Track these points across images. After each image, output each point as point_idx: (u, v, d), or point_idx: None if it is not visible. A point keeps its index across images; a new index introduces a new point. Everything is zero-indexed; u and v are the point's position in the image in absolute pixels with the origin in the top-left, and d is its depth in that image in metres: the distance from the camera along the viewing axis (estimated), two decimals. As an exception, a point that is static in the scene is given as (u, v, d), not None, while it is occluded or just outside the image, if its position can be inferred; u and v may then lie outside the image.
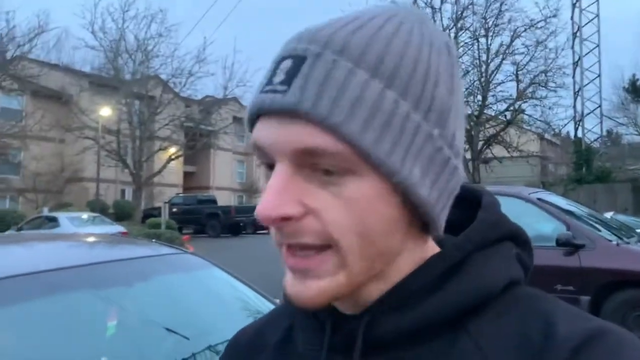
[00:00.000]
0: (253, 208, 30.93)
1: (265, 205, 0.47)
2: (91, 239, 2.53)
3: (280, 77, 0.48)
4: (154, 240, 2.63)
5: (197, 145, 28.56)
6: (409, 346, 0.52)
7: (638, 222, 10.69)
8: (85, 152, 26.61)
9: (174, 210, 26.44)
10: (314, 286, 0.49)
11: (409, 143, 0.48)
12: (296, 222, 0.48)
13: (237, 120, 37.39)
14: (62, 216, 17.94)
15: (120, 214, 27.52)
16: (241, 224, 27.44)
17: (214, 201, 29.78)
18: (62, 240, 2.61)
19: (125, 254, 2.20)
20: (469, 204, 0.59)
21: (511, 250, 0.56)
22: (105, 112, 25.87)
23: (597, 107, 21.56)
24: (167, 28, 26.93)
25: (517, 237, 0.58)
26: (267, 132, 0.49)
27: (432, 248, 0.55)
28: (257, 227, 28.38)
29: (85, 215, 18.91)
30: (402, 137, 0.47)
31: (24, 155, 27.70)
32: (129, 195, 31.37)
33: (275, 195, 0.47)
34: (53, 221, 17.52)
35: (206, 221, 26.93)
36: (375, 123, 0.46)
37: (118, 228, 17.05)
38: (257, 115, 0.50)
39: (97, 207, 24.54)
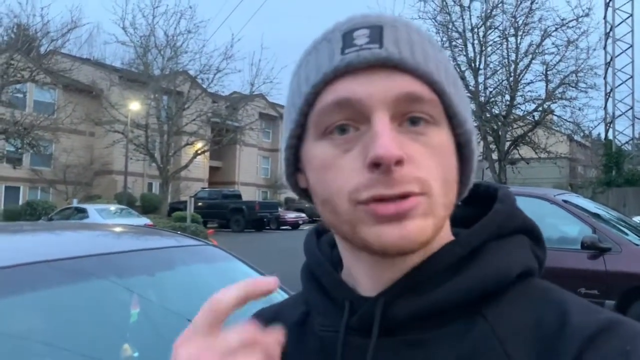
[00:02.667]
0: (277, 204, 30.88)
1: (387, 147, 0.48)
2: (117, 229, 2.60)
3: (363, 40, 0.51)
4: (178, 232, 2.69)
5: (223, 141, 28.77)
6: (426, 329, 0.53)
7: (669, 227, 10.42)
8: (114, 146, 27.06)
9: (200, 204, 26.74)
10: (413, 225, 0.50)
11: (465, 100, 0.56)
12: (402, 169, 0.49)
13: (263, 116, 37.60)
14: (90, 208, 18.34)
15: (147, 207, 27.94)
16: (265, 220, 27.60)
17: (239, 196, 30.03)
18: (88, 229, 2.69)
19: (149, 244, 2.26)
20: (484, 201, 0.61)
21: (526, 242, 0.58)
22: (135, 106, 26.27)
23: (629, 109, 21.09)
24: (196, 24, 27.08)
25: (530, 232, 0.60)
26: (363, 84, 0.50)
27: (450, 234, 0.58)
28: (280, 223, 28.54)
29: (113, 208, 19.28)
30: (461, 93, 0.55)
31: (55, 147, 28.34)
32: (156, 189, 31.84)
33: (391, 139, 0.49)
34: (82, 212, 17.93)
35: (230, 216, 27.17)
36: (450, 79, 0.53)
37: (144, 220, 17.35)
38: (340, 74, 0.51)
39: (125, 200, 24.96)
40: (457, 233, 0.58)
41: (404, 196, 0.49)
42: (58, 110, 25.70)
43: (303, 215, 30.51)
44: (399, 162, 0.49)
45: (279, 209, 30.49)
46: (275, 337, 0.48)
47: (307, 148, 0.55)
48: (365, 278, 0.57)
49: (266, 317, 0.68)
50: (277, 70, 31.29)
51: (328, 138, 0.52)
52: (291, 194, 44.00)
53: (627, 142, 21.76)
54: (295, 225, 29.07)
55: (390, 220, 0.50)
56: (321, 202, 0.54)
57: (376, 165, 0.49)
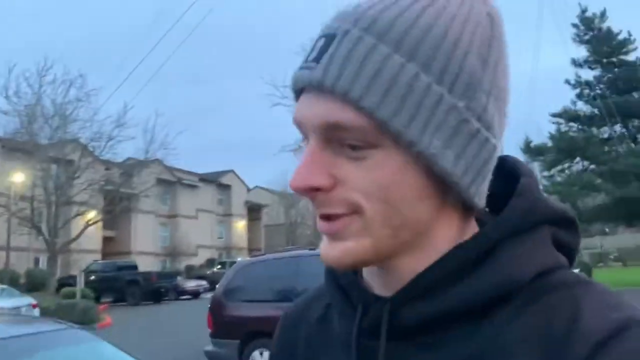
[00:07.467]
0: (175, 273, 29.81)
1: (296, 177, 0.51)
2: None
3: (313, 54, 0.52)
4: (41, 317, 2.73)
5: (116, 209, 27.79)
6: (434, 332, 0.53)
7: None
8: (-6, 220, 25.21)
9: (92, 278, 25.36)
10: (340, 247, 0.52)
11: (429, 115, 0.49)
12: (326, 193, 0.51)
13: (160, 182, 36.78)
14: (-35, 289, 16.79)
15: (32, 284, 25.98)
16: (162, 290, 26.60)
17: (135, 267, 28.79)
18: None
19: (10, 332, 2.30)
20: (513, 177, 0.58)
21: (546, 236, 0.55)
22: (19, 177, 24.85)
23: None
24: (87, 93, 26.41)
25: (559, 219, 0.57)
26: (301, 107, 0.53)
27: (472, 228, 0.56)
28: (179, 293, 27.59)
29: (-9, 288, 17.78)
30: (422, 109, 0.49)
31: None
32: (43, 264, 29.77)
33: (306, 168, 0.51)
34: (-45, 295, 16.35)
35: (126, 288, 25.92)
36: (392, 96, 0.48)
37: (28, 300, 16.12)
38: (300, 91, 0.54)
39: (7, 278, 23.11)
40: (482, 219, 0.57)
41: (337, 216, 0.52)
42: None
43: (204, 282, 29.71)
44: (315, 189, 0.51)
45: (178, 278, 29.57)
46: None
47: None
48: (376, 277, 0.58)
49: (293, 317, 0.72)
50: (172, 135, 30.96)
51: (305, 142, 0.55)
52: (192, 262, 42.75)
53: None
54: (195, 294, 28.20)
55: (329, 237, 0.53)
56: None
57: None
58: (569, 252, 0.57)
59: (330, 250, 0.53)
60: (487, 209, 0.57)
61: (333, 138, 0.51)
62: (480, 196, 0.53)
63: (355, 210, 0.51)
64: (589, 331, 0.47)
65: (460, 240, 0.54)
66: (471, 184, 0.51)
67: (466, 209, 0.55)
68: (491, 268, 0.52)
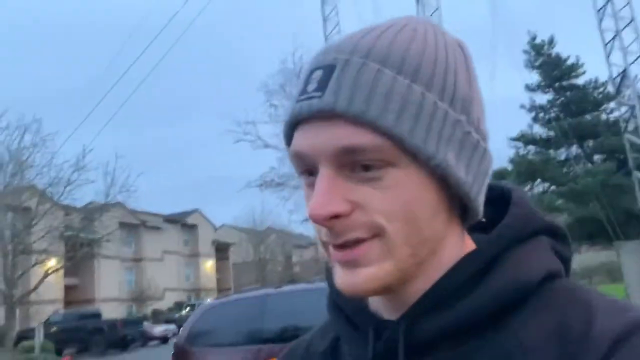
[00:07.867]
0: (141, 319, 28.84)
1: (315, 206, 0.50)
2: None
3: (313, 85, 0.52)
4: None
5: (77, 256, 26.89)
6: (452, 346, 0.53)
7: None
8: (-54, 274, 24.07)
9: (53, 329, 24.35)
10: (364, 273, 0.51)
11: (440, 130, 0.51)
12: (345, 219, 0.50)
13: (123, 225, 35.93)
14: None
15: (-11, 339, 24.74)
16: (129, 337, 25.67)
17: (98, 315, 27.75)
18: None
19: None
20: (500, 202, 0.61)
21: (546, 244, 0.58)
22: (-28, 228, 23.89)
23: None
24: (43, 138, 25.79)
25: (552, 231, 0.59)
26: (307, 137, 0.52)
27: (469, 245, 0.57)
28: (147, 339, 26.67)
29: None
30: (433, 125, 0.51)
31: None
32: (0, 318, 28.47)
33: (323, 196, 0.50)
34: None
35: (89, 338, 24.94)
36: (407, 114, 0.50)
37: (-18, 358, 15.32)
38: (295, 125, 0.54)
39: (-40, 335, 21.94)
40: (477, 240, 0.58)
41: (357, 241, 0.51)
42: None
43: (172, 326, 28.84)
44: (335, 216, 0.50)
45: (145, 324, 28.63)
46: None
47: None
48: (384, 301, 0.57)
49: (300, 350, 0.70)
50: (133, 178, 30.36)
51: (304, 176, 0.55)
52: (159, 305, 41.61)
53: None
54: (164, 339, 27.30)
55: (346, 265, 0.52)
56: None
57: None
58: (564, 262, 0.58)
59: (353, 279, 0.52)
60: (483, 219, 0.58)
61: (346, 163, 0.51)
62: (481, 207, 0.55)
63: (377, 233, 0.51)
64: (607, 329, 0.47)
65: (460, 254, 0.55)
66: (478, 193, 0.54)
67: (463, 223, 0.57)
68: (500, 274, 0.53)
